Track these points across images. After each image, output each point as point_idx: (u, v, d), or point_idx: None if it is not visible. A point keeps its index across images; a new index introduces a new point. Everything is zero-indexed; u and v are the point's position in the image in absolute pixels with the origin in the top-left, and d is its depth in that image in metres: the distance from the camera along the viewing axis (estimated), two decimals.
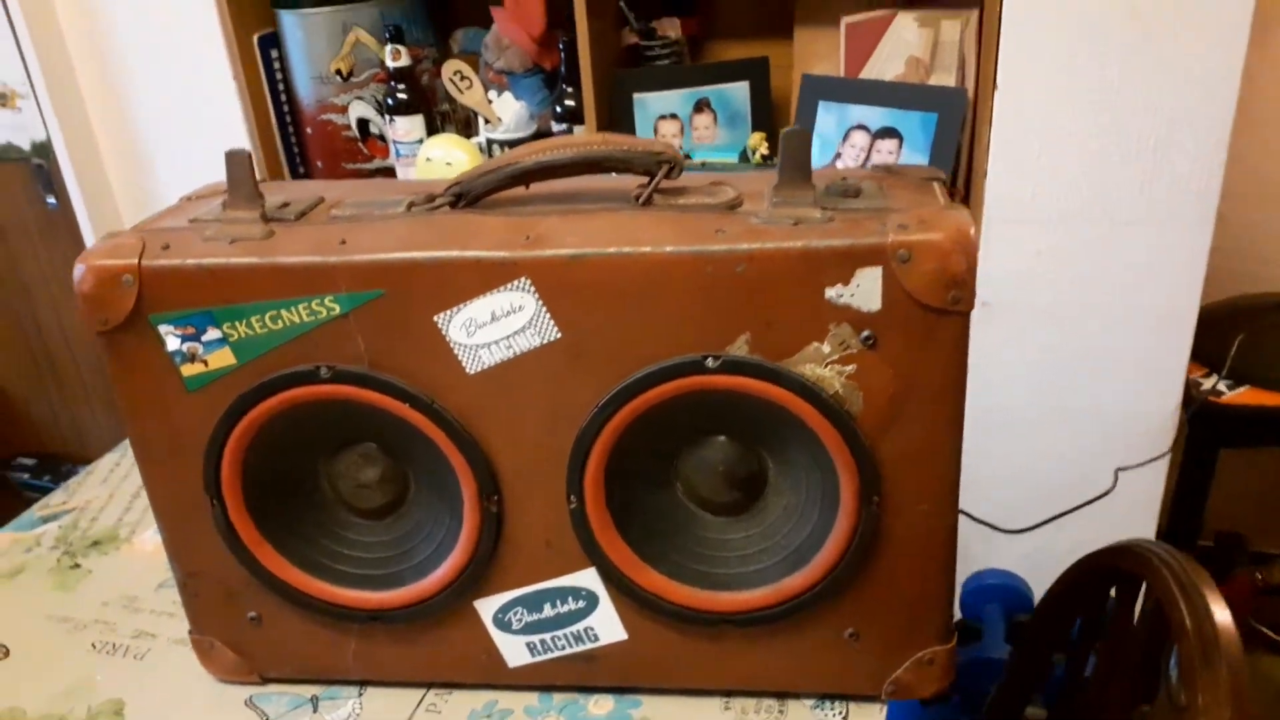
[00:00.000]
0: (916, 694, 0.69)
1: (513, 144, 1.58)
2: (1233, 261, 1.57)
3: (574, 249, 0.61)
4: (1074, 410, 1.42)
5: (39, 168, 1.97)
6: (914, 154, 1.43)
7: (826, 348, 0.61)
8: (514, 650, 0.72)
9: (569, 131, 1.58)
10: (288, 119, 1.71)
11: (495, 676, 0.73)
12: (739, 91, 1.58)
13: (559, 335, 0.62)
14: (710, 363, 0.62)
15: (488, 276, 0.61)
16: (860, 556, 0.65)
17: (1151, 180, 1.27)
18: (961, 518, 1.54)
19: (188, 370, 0.66)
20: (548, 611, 0.70)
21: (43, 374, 2.21)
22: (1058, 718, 1.10)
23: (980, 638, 1.39)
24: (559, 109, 1.58)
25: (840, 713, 0.70)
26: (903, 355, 0.60)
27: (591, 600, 0.69)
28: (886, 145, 1.45)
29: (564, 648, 0.71)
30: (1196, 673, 0.62)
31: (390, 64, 1.61)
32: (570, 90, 1.55)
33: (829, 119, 1.48)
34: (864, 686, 0.70)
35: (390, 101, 1.64)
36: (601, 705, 0.72)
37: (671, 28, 1.58)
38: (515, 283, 0.61)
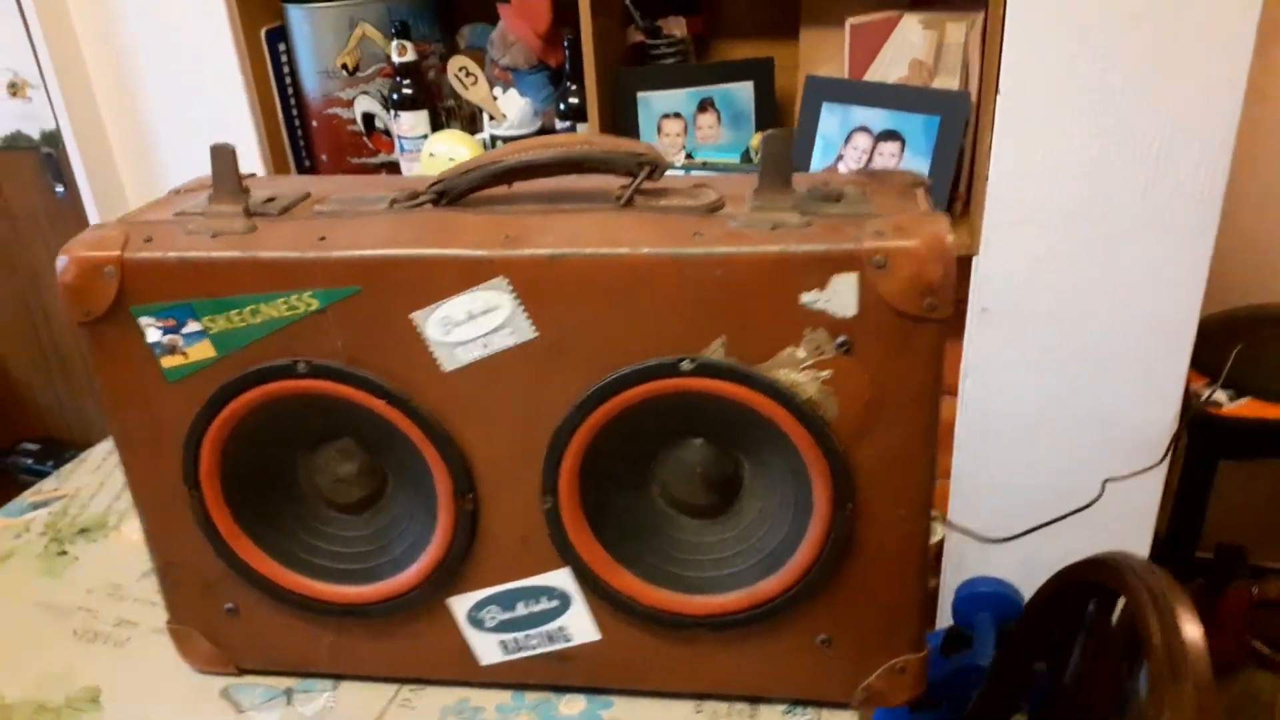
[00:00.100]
0: (888, 702, 0.68)
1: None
2: (1236, 269, 1.56)
3: (551, 249, 0.61)
4: (1071, 417, 1.41)
5: (48, 157, 1.99)
6: (916, 157, 1.42)
7: (802, 353, 0.61)
8: (487, 648, 0.72)
9: (573, 129, 1.58)
10: (294, 112, 1.71)
11: (468, 674, 0.73)
12: (743, 91, 1.57)
13: (536, 335, 0.62)
14: (686, 365, 0.61)
15: (465, 275, 0.61)
16: (833, 562, 0.65)
17: (1154, 185, 1.26)
18: (955, 525, 1.54)
19: (168, 362, 0.66)
20: (521, 610, 0.70)
21: (49, 360, 2.23)
22: None
23: (971, 645, 1.39)
24: (563, 106, 1.58)
25: (812, 718, 0.70)
26: (878, 362, 0.60)
27: (565, 600, 0.69)
28: (889, 148, 1.44)
29: (537, 647, 0.71)
30: (1164, 689, 0.62)
31: (396, 59, 1.61)
32: (574, 88, 1.55)
33: (832, 120, 1.48)
34: (836, 693, 0.70)
35: (395, 96, 1.64)
36: (573, 705, 0.72)
37: (677, 26, 1.58)
38: (492, 282, 0.61)
